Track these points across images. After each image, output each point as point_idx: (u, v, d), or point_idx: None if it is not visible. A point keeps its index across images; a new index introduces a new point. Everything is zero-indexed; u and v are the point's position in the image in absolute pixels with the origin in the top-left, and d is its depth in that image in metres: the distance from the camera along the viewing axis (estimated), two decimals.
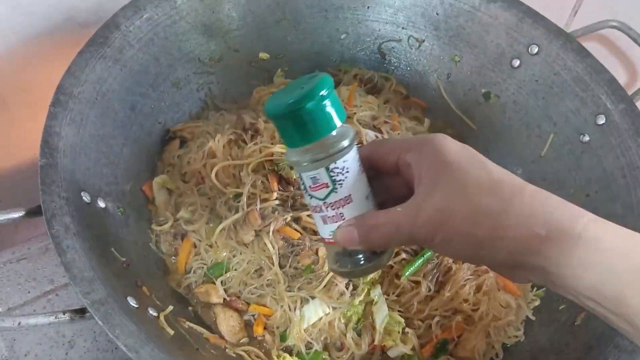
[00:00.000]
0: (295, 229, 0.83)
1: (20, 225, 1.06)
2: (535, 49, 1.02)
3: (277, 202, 0.84)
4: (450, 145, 0.53)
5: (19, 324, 0.63)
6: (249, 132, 0.92)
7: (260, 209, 0.83)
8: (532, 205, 0.49)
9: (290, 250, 0.83)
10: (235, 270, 0.84)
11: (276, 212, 0.83)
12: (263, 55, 1.08)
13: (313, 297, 0.81)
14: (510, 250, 0.49)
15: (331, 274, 0.81)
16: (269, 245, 0.82)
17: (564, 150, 0.99)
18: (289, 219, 0.83)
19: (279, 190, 0.85)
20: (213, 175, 0.86)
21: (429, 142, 0.54)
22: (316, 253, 0.82)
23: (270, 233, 0.82)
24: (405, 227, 0.53)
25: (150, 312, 0.73)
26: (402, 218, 0.53)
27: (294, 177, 0.84)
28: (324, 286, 0.81)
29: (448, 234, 0.51)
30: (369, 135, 0.95)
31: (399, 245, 0.80)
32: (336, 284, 0.81)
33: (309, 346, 0.81)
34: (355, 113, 0.98)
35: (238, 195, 0.85)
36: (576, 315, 0.81)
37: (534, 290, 0.91)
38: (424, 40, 1.11)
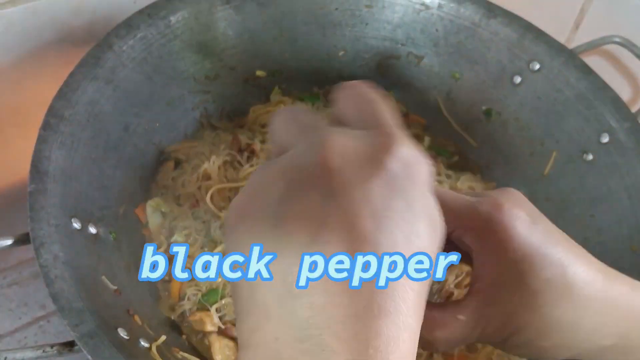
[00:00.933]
0: None
1: (12, 249, 1.04)
2: (537, 66, 1.00)
3: None
4: (519, 231, 0.48)
5: (5, 358, 0.61)
6: (245, 153, 0.91)
7: None
8: (604, 315, 0.48)
9: None
10: (230, 297, 0.81)
11: None
12: (260, 73, 1.07)
13: None
14: (573, 354, 0.50)
15: None
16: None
17: (568, 169, 0.97)
18: None
19: None
20: (208, 198, 0.84)
21: (494, 227, 0.49)
22: None
23: None
24: (465, 338, 0.50)
25: (142, 343, 0.70)
26: (464, 329, 0.50)
27: None
28: None
29: (514, 344, 0.49)
30: None
31: None
32: None
33: None
34: None
35: None
36: None
37: None
38: (423, 57, 1.09)
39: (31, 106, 0.85)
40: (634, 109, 0.97)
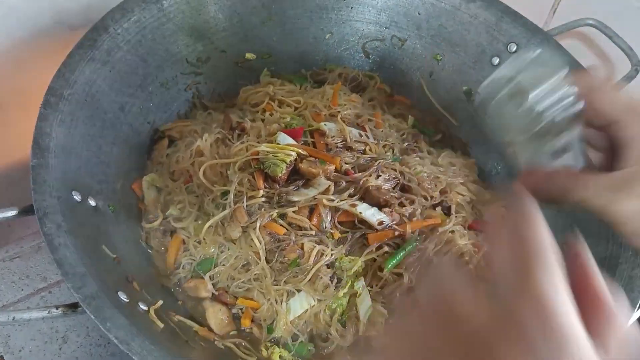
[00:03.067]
0: (281, 225, 0.86)
1: (13, 224, 1.08)
2: (514, 47, 1.05)
3: (263, 199, 0.86)
4: None
5: (13, 318, 0.65)
6: (236, 131, 0.95)
7: (246, 206, 0.85)
8: None
9: (276, 245, 0.86)
10: (223, 265, 0.86)
11: (262, 209, 0.86)
12: (249, 55, 1.11)
13: (299, 290, 0.83)
14: None
15: (316, 267, 0.83)
16: (256, 241, 0.84)
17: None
18: (275, 215, 0.85)
19: (265, 187, 0.87)
20: (201, 173, 0.89)
21: None
22: (301, 247, 0.85)
23: (257, 229, 0.84)
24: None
25: (141, 306, 0.75)
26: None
27: (279, 175, 0.86)
28: (309, 279, 0.83)
29: None
30: (353, 133, 0.98)
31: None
32: (321, 277, 0.84)
33: (295, 338, 0.84)
34: (339, 111, 1.00)
35: (225, 193, 0.87)
36: None
37: None
38: (406, 40, 1.14)
39: (32, 87, 0.88)
40: None
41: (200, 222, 0.89)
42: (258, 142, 0.91)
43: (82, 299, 0.65)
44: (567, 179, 0.57)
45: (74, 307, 0.68)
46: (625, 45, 1.07)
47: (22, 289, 0.96)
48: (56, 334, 0.92)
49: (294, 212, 0.86)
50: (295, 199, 0.86)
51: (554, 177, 0.58)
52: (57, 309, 0.67)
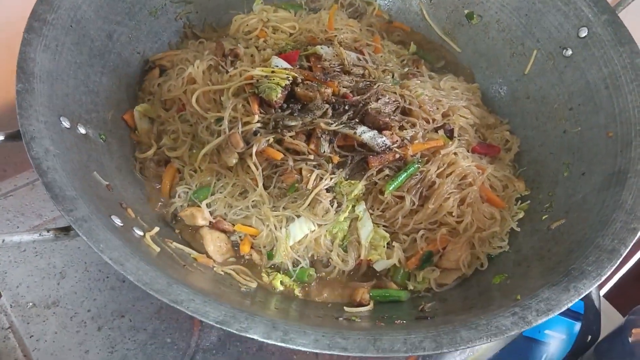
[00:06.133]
0: (279, 150, 0.83)
1: (7, 166, 1.06)
2: None
3: (258, 124, 0.83)
4: None
5: (3, 240, 0.63)
6: (229, 57, 0.92)
7: (242, 132, 0.82)
8: None
9: (273, 171, 0.83)
10: (220, 193, 0.84)
11: (258, 134, 0.83)
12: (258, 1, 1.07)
13: (298, 216, 0.81)
14: None
15: (315, 192, 0.81)
16: (253, 167, 0.82)
17: (547, 67, 0.98)
18: (271, 140, 0.83)
19: (260, 113, 0.84)
20: (194, 100, 0.86)
21: None
22: (299, 172, 0.82)
23: (253, 155, 0.82)
24: None
25: (136, 231, 0.73)
26: None
27: (275, 99, 0.83)
28: (309, 204, 0.81)
29: None
30: (351, 56, 0.94)
31: None
32: (320, 202, 0.81)
33: (296, 263, 0.82)
34: (336, 36, 0.97)
35: (220, 120, 0.84)
36: (555, 221, 0.83)
37: (519, 203, 0.91)
38: None
39: (16, 17, 0.85)
40: (613, 2, 0.98)
41: (194, 151, 0.86)
42: (252, 67, 0.88)
43: (73, 221, 0.63)
44: None
45: (65, 230, 0.66)
46: None
47: (18, 227, 0.94)
48: (54, 270, 0.90)
49: (291, 137, 0.83)
50: (292, 123, 0.83)
51: None
52: (48, 232, 0.65)
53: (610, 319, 1.12)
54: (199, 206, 0.83)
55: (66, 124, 0.75)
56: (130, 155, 0.88)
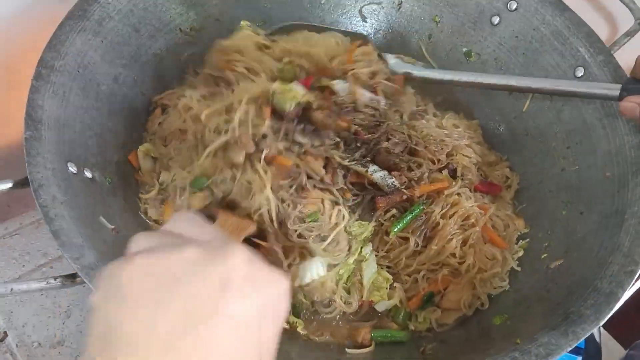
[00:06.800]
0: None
1: (12, 202, 1.08)
2: (514, 5, 1.02)
3: (269, 129, 0.81)
4: None
5: (11, 290, 0.65)
6: (221, 84, 0.92)
7: (252, 134, 0.81)
8: None
9: (288, 181, 0.82)
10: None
11: (267, 139, 0.81)
12: (244, 23, 1.08)
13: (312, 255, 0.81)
14: None
15: (337, 230, 0.81)
16: (261, 172, 0.80)
17: (545, 105, 1.00)
18: (281, 147, 0.82)
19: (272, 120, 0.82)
20: (203, 116, 0.84)
21: None
22: (322, 202, 0.83)
23: (262, 159, 0.80)
24: None
25: None
26: None
27: (287, 109, 0.82)
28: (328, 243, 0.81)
29: None
30: (365, 96, 0.92)
31: None
32: (338, 242, 0.82)
33: (299, 304, 0.83)
34: (353, 69, 0.94)
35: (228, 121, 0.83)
36: (554, 260, 0.84)
37: (519, 242, 0.92)
38: (403, 1, 1.12)
39: (24, 62, 0.87)
40: (609, 43, 0.99)
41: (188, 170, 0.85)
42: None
43: (80, 269, 0.64)
44: None
45: (72, 277, 0.67)
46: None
47: (24, 265, 0.96)
48: (59, 309, 0.91)
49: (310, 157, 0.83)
50: (302, 140, 0.83)
51: None
52: (55, 279, 0.67)
53: (611, 350, 1.12)
54: None
55: (73, 169, 0.76)
56: (135, 197, 0.89)
